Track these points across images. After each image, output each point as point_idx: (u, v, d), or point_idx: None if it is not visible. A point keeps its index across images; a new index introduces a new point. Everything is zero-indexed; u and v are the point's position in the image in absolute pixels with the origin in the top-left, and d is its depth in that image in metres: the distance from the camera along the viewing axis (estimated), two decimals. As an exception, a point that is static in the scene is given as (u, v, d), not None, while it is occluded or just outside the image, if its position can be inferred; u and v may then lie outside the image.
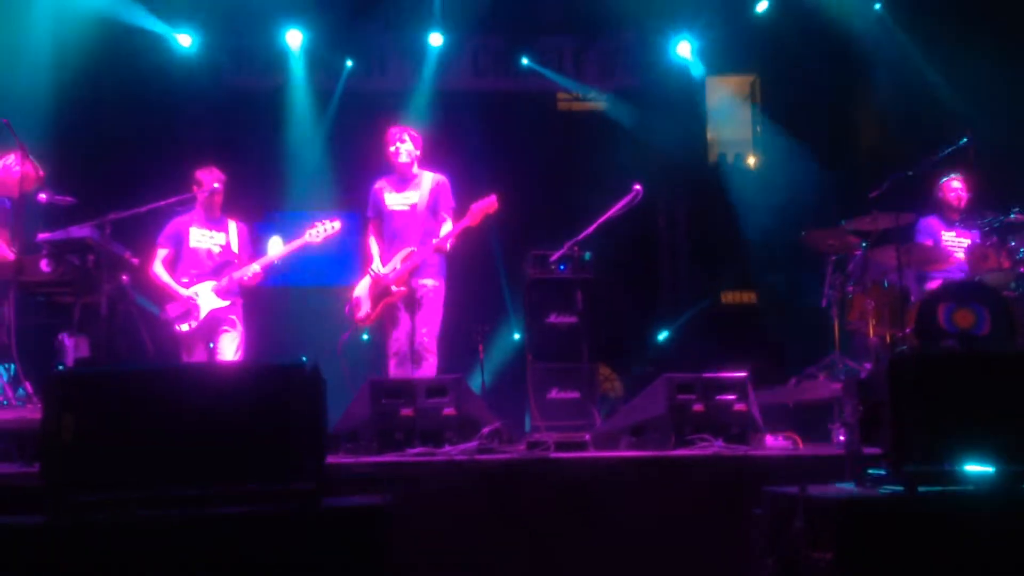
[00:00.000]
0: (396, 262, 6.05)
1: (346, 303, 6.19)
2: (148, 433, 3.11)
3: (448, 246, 6.06)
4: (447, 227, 6.08)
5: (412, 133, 6.23)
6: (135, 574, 2.92)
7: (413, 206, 6.13)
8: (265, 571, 3.01)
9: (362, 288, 6.15)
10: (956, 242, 6.69)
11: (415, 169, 6.23)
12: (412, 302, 6.08)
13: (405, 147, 6.14)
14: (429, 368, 6.02)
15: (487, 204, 5.99)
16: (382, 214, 6.20)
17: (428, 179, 6.18)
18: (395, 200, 6.18)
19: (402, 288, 6.01)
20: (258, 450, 3.15)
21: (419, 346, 6.04)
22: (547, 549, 4.20)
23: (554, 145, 9.27)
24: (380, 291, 6.04)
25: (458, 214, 6.14)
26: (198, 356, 6.08)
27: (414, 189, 6.17)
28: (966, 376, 3.33)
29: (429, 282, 6.10)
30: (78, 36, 7.82)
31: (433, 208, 6.15)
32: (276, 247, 6.28)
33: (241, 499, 3.07)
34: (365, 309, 6.08)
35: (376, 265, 6.10)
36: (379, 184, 6.27)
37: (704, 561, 4.15)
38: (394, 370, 6.04)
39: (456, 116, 8.98)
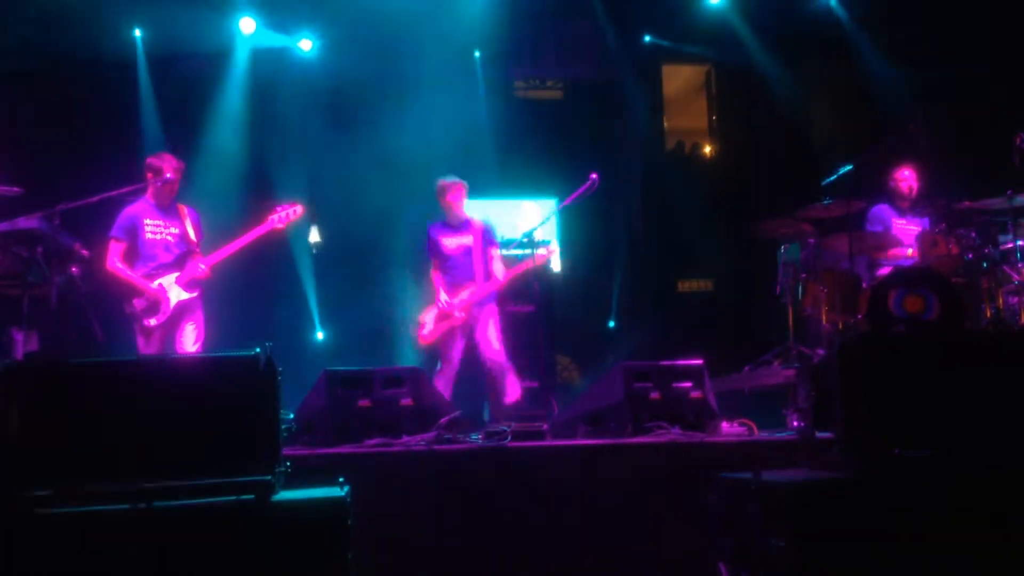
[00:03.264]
0: (462, 296, 6.59)
1: (412, 325, 6.78)
2: (100, 427, 3.06)
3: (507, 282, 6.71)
4: (497, 266, 6.71)
5: (466, 188, 6.80)
6: (86, 568, 2.88)
7: (467, 247, 6.71)
8: (220, 564, 2.98)
9: (428, 315, 6.69)
10: (906, 229, 6.80)
11: (465, 215, 6.81)
12: (471, 328, 6.57)
13: (463, 202, 6.75)
14: (512, 382, 6.48)
15: (549, 250, 6.77)
16: (440, 255, 6.74)
17: (477, 223, 6.79)
18: (452, 243, 6.74)
19: (462, 315, 6.53)
20: (212, 443, 3.13)
21: (496, 364, 6.49)
22: (505, 538, 4.21)
23: (511, 133, 9.25)
24: (442, 317, 6.60)
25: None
26: (157, 348, 6.00)
27: (467, 232, 6.75)
28: (915, 361, 3.38)
29: (488, 308, 6.62)
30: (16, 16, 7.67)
31: (484, 247, 6.74)
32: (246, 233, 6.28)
33: (195, 492, 3.04)
34: (428, 329, 6.64)
35: (444, 297, 6.63)
36: (434, 228, 6.81)
37: (661, 547, 4.19)
38: (443, 383, 6.43)
39: (414, 103, 8.97)
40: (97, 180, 5.93)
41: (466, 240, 6.72)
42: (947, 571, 3.08)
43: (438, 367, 6.61)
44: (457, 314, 6.53)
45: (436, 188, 6.75)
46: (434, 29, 8.86)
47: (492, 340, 6.53)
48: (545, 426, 5.09)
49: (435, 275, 6.76)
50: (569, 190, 6.44)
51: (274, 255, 8.05)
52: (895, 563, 3.09)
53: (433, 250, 6.77)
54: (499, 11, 8.95)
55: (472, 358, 6.59)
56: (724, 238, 8.94)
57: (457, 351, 6.56)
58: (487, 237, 6.75)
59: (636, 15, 9.46)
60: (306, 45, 9.04)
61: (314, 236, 6.24)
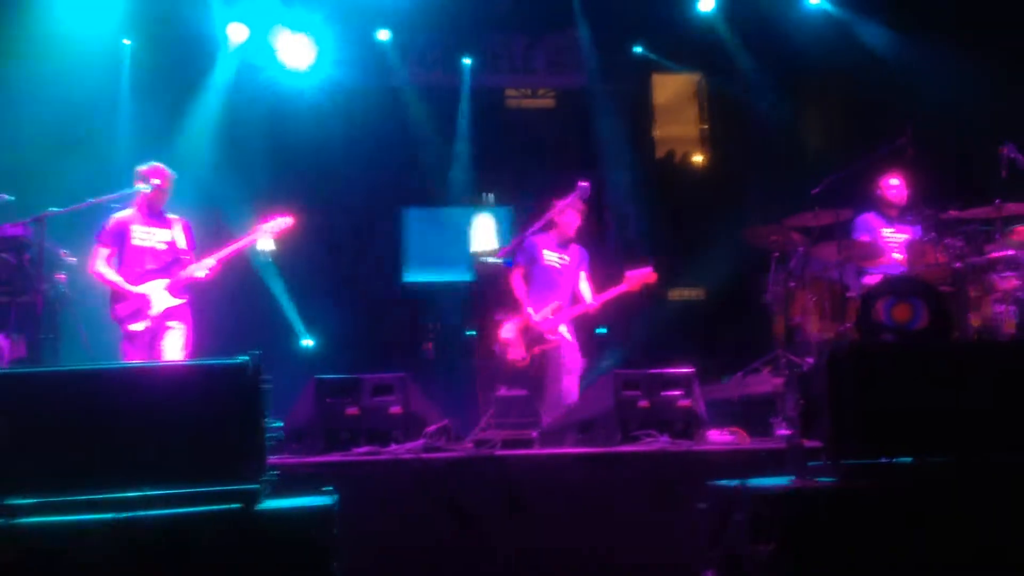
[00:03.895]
0: (548, 312, 6.50)
1: (495, 343, 6.55)
2: (86, 435, 3.06)
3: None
4: (584, 288, 6.74)
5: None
6: (71, 579, 2.87)
7: (566, 266, 6.74)
8: (208, 572, 2.97)
9: (511, 330, 6.54)
10: (894, 237, 6.82)
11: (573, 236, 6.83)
12: (557, 350, 6.51)
13: (578, 224, 6.76)
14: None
15: (646, 275, 6.62)
16: (537, 266, 6.70)
17: (576, 248, 6.84)
18: (553, 257, 6.72)
19: (555, 337, 6.48)
20: (198, 451, 3.12)
21: (568, 393, 6.44)
22: (494, 547, 4.20)
23: (503, 141, 9.27)
24: (533, 337, 6.47)
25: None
26: (143, 354, 5.96)
27: (569, 252, 6.78)
28: (903, 369, 3.39)
29: (567, 335, 6.62)
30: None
31: (577, 270, 6.79)
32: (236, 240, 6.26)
33: (181, 501, 3.02)
34: (519, 352, 6.48)
35: (530, 311, 6.53)
36: (537, 238, 6.69)
37: (650, 555, 4.18)
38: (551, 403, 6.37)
39: (404, 111, 8.98)
40: (83, 187, 5.92)
41: (565, 259, 6.76)
42: (934, 579, 3.09)
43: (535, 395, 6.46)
44: (551, 337, 6.46)
45: (554, 206, 6.59)
46: (421, 36, 8.92)
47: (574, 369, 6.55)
48: (534, 434, 5.09)
49: (521, 283, 6.69)
50: (559, 198, 6.44)
51: (253, 264, 8.02)
52: (882, 570, 3.10)
53: (529, 258, 6.71)
54: (489, 20, 8.99)
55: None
56: (715, 246, 8.96)
57: (557, 373, 6.47)
58: (583, 261, 6.81)
59: (626, 25, 9.48)
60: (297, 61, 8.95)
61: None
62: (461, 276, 8.89)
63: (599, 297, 6.68)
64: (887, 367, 3.39)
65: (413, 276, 9.05)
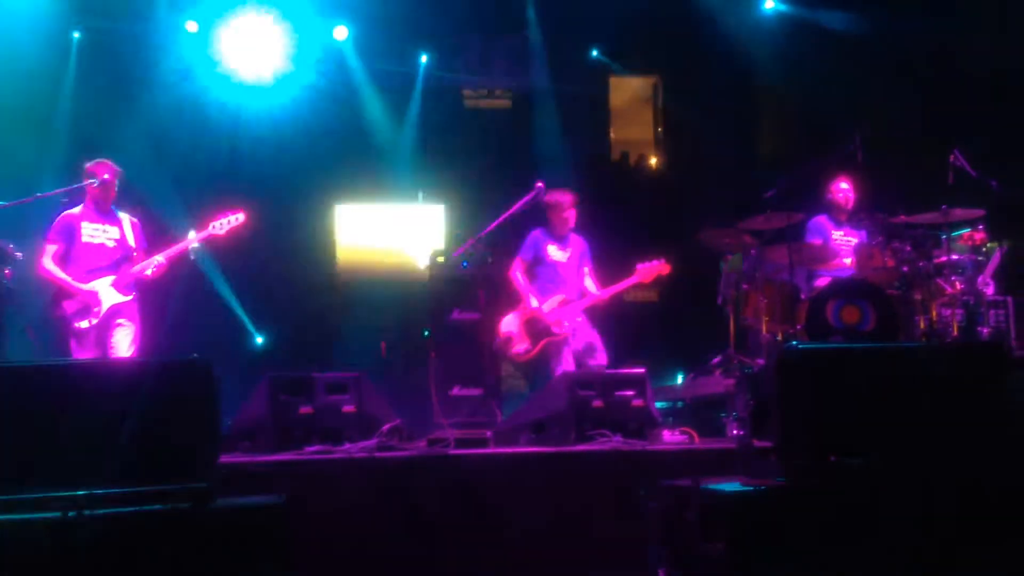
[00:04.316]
0: (554, 303, 6.51)
1: (496, 338, 6.44)
2: (34, 433, 3.01)
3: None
4: (588, 282, 6.73)
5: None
6: (16, 579, 2.81)
7: (569, 259, 6.74)
8: (157, 571, 2.93)
9: (512, 323, 6.52)
10: (844, 241, 6.94)
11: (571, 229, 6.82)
12: (564, 343, 6.46)
13: (574, 216, 6.75)
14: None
15: (658, 267, 6.61)
16: (541, 261, 6.70)
17: (577, 239, 6.84)
18: (556, 252, 6.73)
19: (562, 331, 6.44)
20: (150, 449, 3.09)
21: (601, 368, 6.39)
22: (447, 545, 4.20)
23: (460, 142, 9.25)
24: (539, 330, 6.45)
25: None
26: (91, 353, 5.86)
27: (570, 246, 6.79)
28: (851, 371, 3.45)
29: (577, 321, 6.57)
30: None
31: (580, 264, 6.79)
32: (184, 239, 6.17)
33: (131, 499, 2.98)
34: (524, 345, 6.47)
35: (534, 302, 6.52)
36: (540, 233, 6.77)
37: (602, 554, 4.21)
38: None
39: (362, 111, 8.93)
40: (28, 182, 5.81)
41: (567, 253, 6.74)
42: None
43: (529, 388, 6.49)
44: (559, 329, 6.42)
45: (550, 200, 6.64)
46: (378, 32, 8.88)
47: (597, 350, 6.52)
48: (488, 434, 5.09)
49: (523, 278, 6.66)
50: (515, 199, 6.44)
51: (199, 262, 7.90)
52: (831, 569, 3.15)
53: (533, 255, 6.71)
54: (447, 20, 8.97)
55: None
56: (668, 248, 9.02)
57: (564, 367, 6.38)
58: (584, 255, 6.81)
59: (584, 28, 9.52)
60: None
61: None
62: (405, 275, 8.81)
63: (608, 289, 6.63)
64: (836, 368, 3.44)
65: (353, 274, 8.95)
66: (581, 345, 6.55)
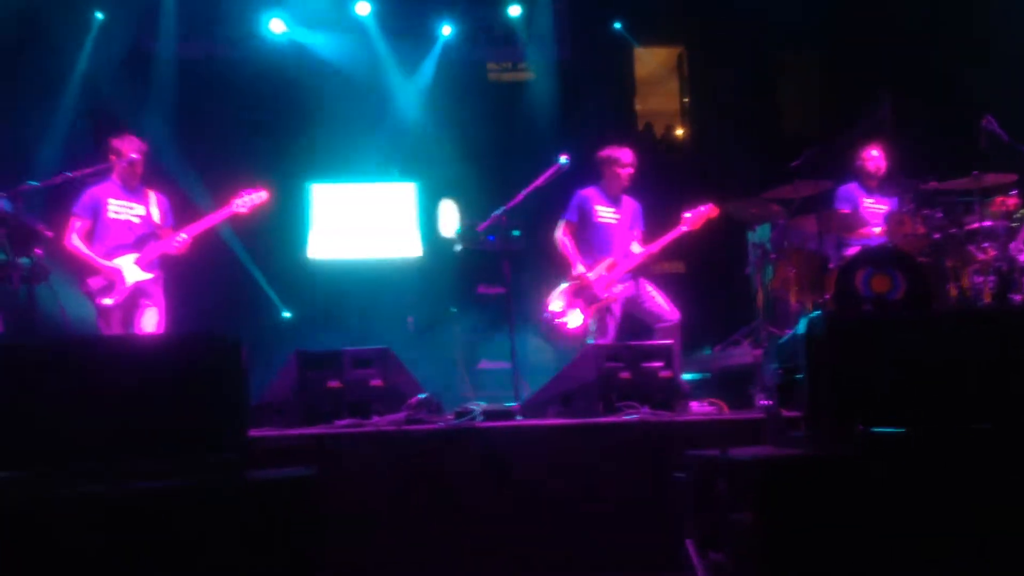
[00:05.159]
0: (602, 269, 6.26)
1: (543, 320, 6.29)
2: (67, 408, 3.04)
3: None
4: (635, 246, 6.42)
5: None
6: (52, 553, 2.86)
7: (619, 221, 6.47)
8: (189, 545, 2.96)
9: (562, 299, 6.29)
10: (875, 208, 6.86)
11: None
12: (608, 311, 6.27)
13: (630, 175, 6.47)
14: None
15: (707, 212, 6.41)
16: (589, 223, 6.43)
17: (629, 200, 6.57)
18: (606, 213, 6.46)
19: (609, 294, 6.22)
20: (180, 423, 3.11)
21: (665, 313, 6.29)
22: (476, 518, 4.22)
23: (484, 116, 9.21)
24: (588, 298, 6.24)
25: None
26: (117, 330, 5.92)
27: (621, 206, 6.51)
28: (880, 340, 3.41)
29: (619, 288, 6.34)
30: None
31: (631, 225, 6.52)
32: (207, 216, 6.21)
33: (163, 473, 3.02)
34: (576, 320, 6.22)
35: (580, 268, 6.30)
36: (589, 193, 6.48)
37: (630, 526, 4.22)
38: None
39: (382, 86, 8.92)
40: (59, 161, 5.86)
41: (619, 215, 6.48)
42: (910, 548, 3.13)
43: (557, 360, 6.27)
44: (609, 293, 6.19)
45: (605, 155, 6.44)
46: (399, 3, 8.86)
47: (660, 301, 6.34)
48: (516, 406, 5.11)
49: (570, 241, 6.41)
50: (540, 172, 6.41)
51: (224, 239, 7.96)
52: (858, 539, 3.13)
53: (581, 215, 6.44)
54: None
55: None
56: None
57: (612, 330, 6.23)
58: (636, 217, 6.53)
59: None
60: (276, 26, 8.88)
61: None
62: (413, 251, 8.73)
63: (654, 244, 6.38)
64: (865, 337, 3.41)
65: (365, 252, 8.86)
66: (643, 298, 6.33)
